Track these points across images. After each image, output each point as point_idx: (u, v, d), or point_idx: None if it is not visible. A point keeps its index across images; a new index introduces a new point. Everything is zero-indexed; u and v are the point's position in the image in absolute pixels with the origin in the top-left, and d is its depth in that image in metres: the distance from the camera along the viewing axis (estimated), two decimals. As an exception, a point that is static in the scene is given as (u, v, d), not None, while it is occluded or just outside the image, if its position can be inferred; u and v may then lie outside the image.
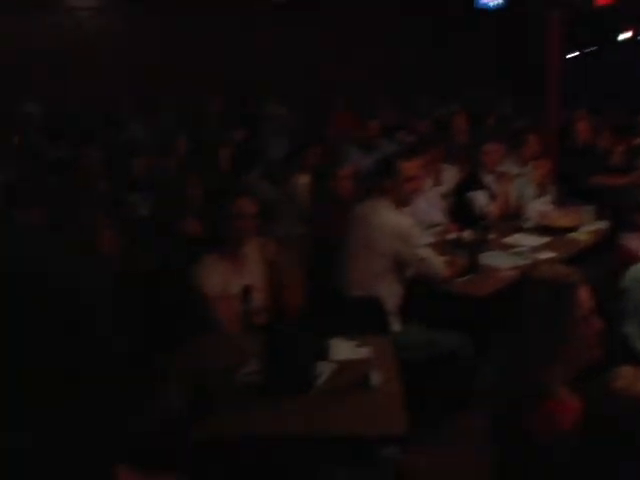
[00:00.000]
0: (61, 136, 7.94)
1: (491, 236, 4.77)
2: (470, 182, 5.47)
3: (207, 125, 8.48)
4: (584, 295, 2.00)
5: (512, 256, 4.48)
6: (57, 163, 6.58)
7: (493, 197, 5.41)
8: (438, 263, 3.92)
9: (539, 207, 5.38)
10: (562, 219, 5.15)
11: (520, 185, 5.58)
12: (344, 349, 3.11)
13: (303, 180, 5.29)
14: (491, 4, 11.63)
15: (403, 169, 3.92)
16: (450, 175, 5.85)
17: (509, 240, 4.88)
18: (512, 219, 5.30)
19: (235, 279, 3.48)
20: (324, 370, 2.89)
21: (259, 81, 10.08)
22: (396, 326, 3.77)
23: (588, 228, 5.09)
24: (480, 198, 5.33)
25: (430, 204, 5.23)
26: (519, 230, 5.10)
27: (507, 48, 11.71)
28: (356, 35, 11.39)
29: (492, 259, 4.37)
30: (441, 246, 4.52)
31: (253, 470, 2.67)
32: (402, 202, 3.95)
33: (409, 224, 3.86)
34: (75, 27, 9.83)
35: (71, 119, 8.46)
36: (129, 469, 2.24)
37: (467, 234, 4.51)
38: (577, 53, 12.62)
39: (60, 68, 9.26)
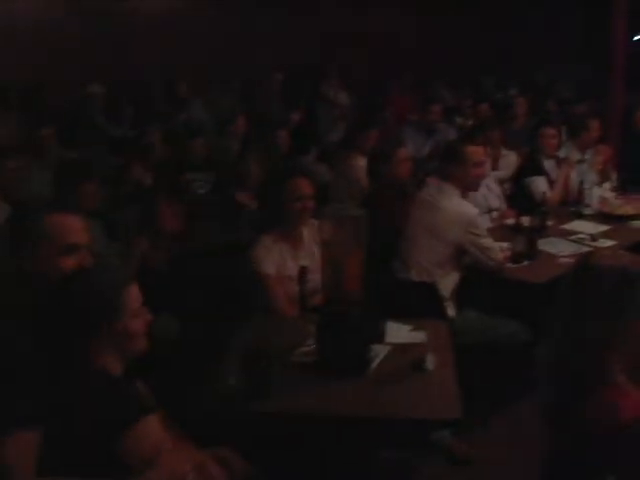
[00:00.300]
0: (123, 116, 8.10)
1: (550, 222, 4.71)
2: (529, 167, 5.40)
3: (266, 106, 8.53)
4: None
5: (571, 243, 4.42)
6: (118, 142, 6.72)
7: (553, 183, 5.34)
8: (497, 250, 3.89)
9: (600, 194, 5.28)
10: (623, 207, 5.05)
11: (581, 171, 5.49)
12: (399, 332, 3.12)
13: (361, 162, 5.29)
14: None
15: (470, 154, 3.88)
16: (509, 160, 5.78)
17: (568, 227, 4.80)
18: (572, 205, 5.22)
19: (292, 260, 3.53)
20: (379, 353, 2.91)
21: (318, 64, 10.07)
22: (452, 312, 3.77)
23: (649, 216, 4.98)
24: (539, 184, 5.26)
25: (488, 189, 5.19)
26: (579, 217, 5.02)
27: (584, 28, 11.43)
28: (416, 17, 11.27)
29: (550, 246, 4.33)
30: (499, 232, 4.48)
31: (305, 448, 2.72)
32: (468, 188, 3.92)
33: (475, 213, 3.84)
34: (138, 9, 9.95)
35: (133, 100, 8.61)
36: (185, 440, 2.31)
37: (525, 220, 4.47)
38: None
39: (122, 49, 9.41)
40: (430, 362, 2.80)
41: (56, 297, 2.06)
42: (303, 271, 3.22)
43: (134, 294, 2.13)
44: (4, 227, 2.74)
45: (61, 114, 7.56)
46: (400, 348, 2.98)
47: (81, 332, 2.04)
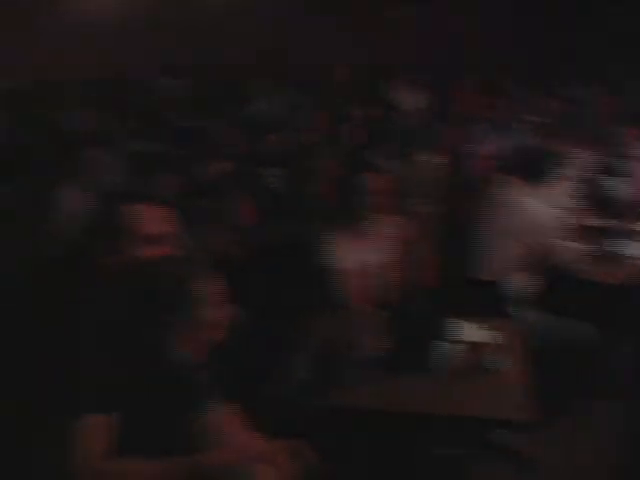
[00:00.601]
0: (192, 108, 8.24)
1: (626, 223, 4.60)
2: (605, 167, 5.29)
3: (340, 101, 8.55)
4: None
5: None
6: (188, 135, 6.84)
7: (629, 183, 5.21)
8: (572, 251, 3.84)
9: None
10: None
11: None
12: (470, 331, 3.10)
13: (437, 159, 5.27)
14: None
15: None
16: (583, 159, 5.66)
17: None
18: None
19: (366, 255, 3.54)
20: (449, 350, 2.91)
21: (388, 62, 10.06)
22: (524, 312, 3.73)
23: None
24: (615, 183, 5.15)
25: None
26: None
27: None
28: (484, 15, 11.12)
29: (626, 247, 4.24)
30: (573, 232, 4.40)
31: (370, 442, 2.74)
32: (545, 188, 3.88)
33: (553, 214, 3.80)
34: (209, 4, 10.10)
35: (202, 92, 8.74)
36: (255, 430, 2.35)
37: (600, 220, 4.39)
38: None
39: (194, 43, 9.57)
40: (500, 362, 2.79)
41: (139, 285, 2.13)
42: (377, 266, 3.24)
43: (215, 283, 2.17)
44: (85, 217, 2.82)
45: (138, 107, 7.76)
46: (471, 346, 2.97)
47: (163, 320, 2.09)
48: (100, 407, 1.95)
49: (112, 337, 2.06)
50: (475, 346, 2.96)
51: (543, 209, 3.78)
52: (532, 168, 3.86)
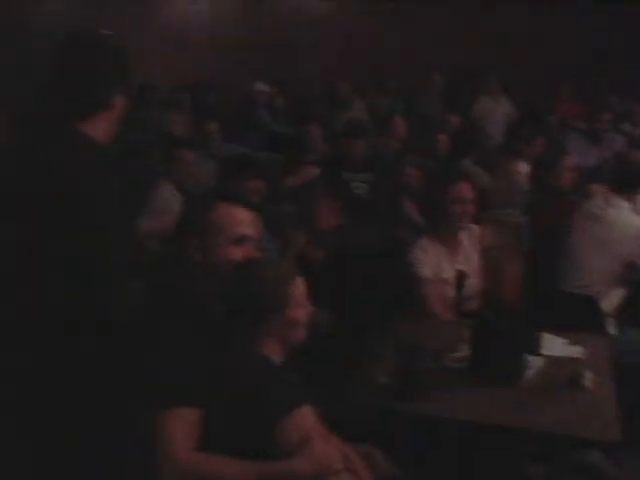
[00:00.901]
0: (286, 114, 8.34)
1: None
2: None
3: (425, 108, 8.50)
4: None
5: None
6: (281, 140, 6.92)
7: None
8: None
9: None
10: None
11: None
12: (556, 345, 3.02)
13: (523, 168, 5.17)
14: None
15: None
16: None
17: None
18: None
19: (449, 264, 3.51)
20: (534, 364, 2.83)
21: (479, 65, 9.93)
22: (614, 329, 3.61)
23: None
24: None
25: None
26: None
27: None
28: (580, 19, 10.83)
29: None
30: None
31: (448, 452, 2.70)
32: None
33: None
34: (299, 10, 10.21)
35: (296, 98, 8.84)
36: (332, 434, 2.35)
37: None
38: None
39: (284, 49, 9.70)
40: (588, 379, 2.69)
41: (227, 285, 2.17)
42: (461, 275, 3.20)
43: (300, 285, 2.21)
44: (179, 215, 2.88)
45: (228, 111, 7.91)
46: (556, 361, 2.88)
47: (248, 320, 2.14)
48: (187, 400, 1.99)
49: (200, 333, 2.11)
50: (561, 361, 2.87)
51: (637, 221, 3.66)
52: (626, 178, 3.73)
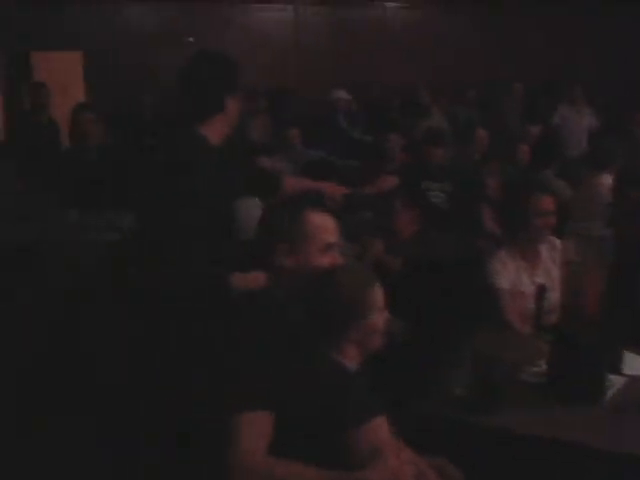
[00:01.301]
0: (361, 121, 8.37)
1: None
2: None
3: (505, 118, 8.39)
4: None
5: None
6: (358, 146, 6.94)
7: None
8: None
9: None
10: None
11: None
12: (637, 364, 2.92)
13: (606, 180, 5.05)
14: None
15: None
16: None
17: None
18: None
19: (528, 277, 3.46)
20: (614, 383, 2.74)
21: (561, 77, 9.79)
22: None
23: None
24: None
25: None
26: None
27: None
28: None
29: None
30: None
31: (521, 469, 2.64)
32: None
33: None
34: (384, 20, 10.23)
35: (375, 106, 8.86)
36: (404, 444, 2.32)
37: None
38: None
39: (366, 58, 9.73)
40: (672, 400, 2.60)
41: (310, 291, 2.19)
42: (541, 289, 3.14)
43: (379, 292, 2.22)
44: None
45: (308, 117, 7.99)
46: (638, 381, 2.78)
47: (329, 325, 2.15)
48: (262, 404, 2.01)
49: (279, 337, 2.13)
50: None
51: None
52: None
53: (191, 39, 9.08)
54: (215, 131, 2.83)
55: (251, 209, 4.44)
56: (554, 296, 3.46)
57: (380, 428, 2.09)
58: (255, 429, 1.99)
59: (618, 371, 2.82)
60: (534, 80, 9.79)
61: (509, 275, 3.44)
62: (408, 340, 3.41)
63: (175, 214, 2.62)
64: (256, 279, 2.36)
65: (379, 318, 2.20)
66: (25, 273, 3.78)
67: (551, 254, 3.57)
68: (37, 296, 3.75)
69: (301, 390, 2.05)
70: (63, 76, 8.30)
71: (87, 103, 7.03)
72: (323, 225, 2.30)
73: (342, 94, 8.45)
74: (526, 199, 3.52)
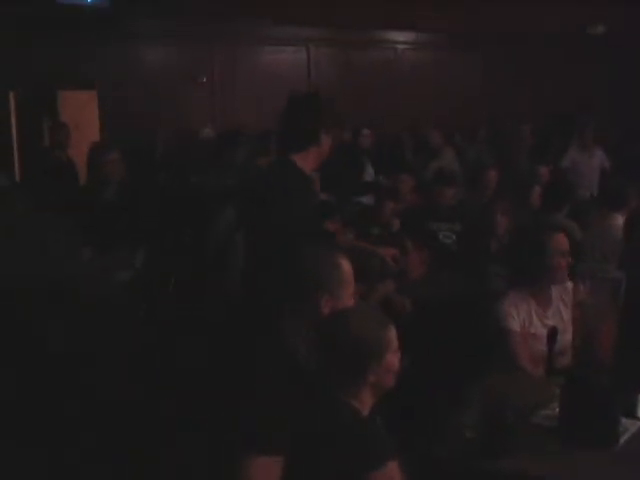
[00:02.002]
0: (375, 162, 8.41)
1: None
2: None
3: (518, 158, 8.41)
4: None
5: None
6: (370, 186, 6.96)
7: None
8: None
9: None
10: None
11: None
12: (652, 408, 2.89)
13: (619, 221, 5.04)
14: None
15: None
16: None
17: None
18: None
19: (539, 319, 3.43)
20: (628, 428, 2.71)
21: (573, 114, 9.86)
22: None
23: None
24: None
25: None
26: None
27: None
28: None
29: None
30: None
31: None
32: None
33: None
34: (394, 61, 10.35)
35: (387, 146, 8.91)
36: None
37: None
38: None
39: (378, 100, 9.83)
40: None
41: (331, 336, 2.20)
42: (553, 331, 3.12)
43: (394, 332, 2.24)
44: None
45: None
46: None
47: (349, 369, 2.16)
48: (271, 449, 2.00)
49: (293, 382, 2.12)
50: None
51: None
52: None
53: (204, 79, 9.19)
54: (308, 161, 3.26)
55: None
56: (566, 338, 3.43)
57: (393, 473, 2.07)
58: (266, 474, 1.98)
59: (632, 415, 2.78)
60: (546, 118, 9.85)
61: (520, 317, 3.42)
62: (419, 381, 3.40)
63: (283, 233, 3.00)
64: None
65: (394, 358, 2.21)
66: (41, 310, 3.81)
67: (562, 295, 3.55)
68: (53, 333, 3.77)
69: (315, 436, 2.04)
70: (78, 115, 8.41)
71: (107, 142, 7.12)
72: (350, 270, 2.38)
73: (365, 131, 8.48)
74: (544, 240, 3.51)
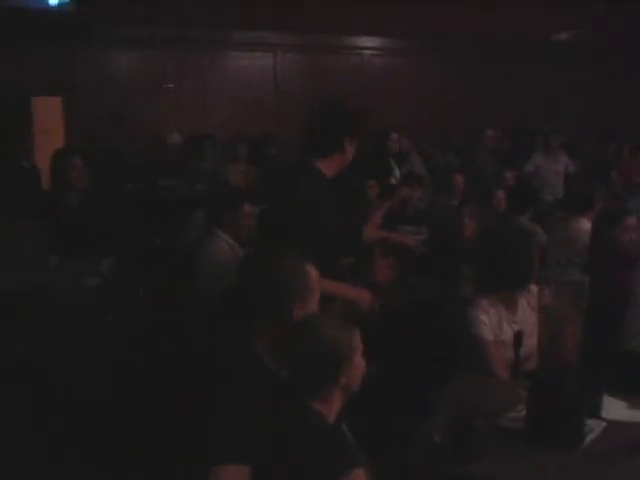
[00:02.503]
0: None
1: None
2: None
3: (483, 163, 8.51)
4: None
5: None
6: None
7: None
8: None
9: None
10: None
11: None
12: (616, 409, 2.92)
13: (584, 226, 5.10)
14: None
15: None
16: None
17: None
18: None
19: (508, 324, 3.44)
20: (593, 428, 2.75)
21: (541, 122, 10.01)
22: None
23: None
24: None
25: None
26: None
27: None
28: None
29: None
30: None
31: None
32: None
33: None
34: (361, 67, 10.38)
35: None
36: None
37: None
38: None
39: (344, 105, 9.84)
40: (652, 445, 2.60)
41: (300, 344, 2.21)
42: (519, 335, 3.15)
43: (359, 334, 2.27)
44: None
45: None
46: (616, 426, 2.78)
47: (321, 375, 2.17)
48: (238, 457, 2.00)
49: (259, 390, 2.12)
50: (623, 426, 2.78)
51: None
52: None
53: (170, 85, 9.15)
54: (331, 168, 3.39)
55: (222, 252, 4.47)
56: (532, 342, 3.46)
57: (360, 479, 2.08)
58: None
59: (597, 416, 2.82)
60: (512, 126, 9.98)
61: (491, 324, 3.42)
62: (386, 387, 3.41)
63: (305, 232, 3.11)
64: None
65: (361, 360, 2.25)
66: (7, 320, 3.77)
67: (528, 299, 3.56)
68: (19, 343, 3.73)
69: (282, 444, 2.04)
70: (43, 121, 8.30)
71: (72, 148, 7.04)
72: (317, 277, 2.39)
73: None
74: (518, 244, 3.54)
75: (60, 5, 8.00)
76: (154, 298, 4.93)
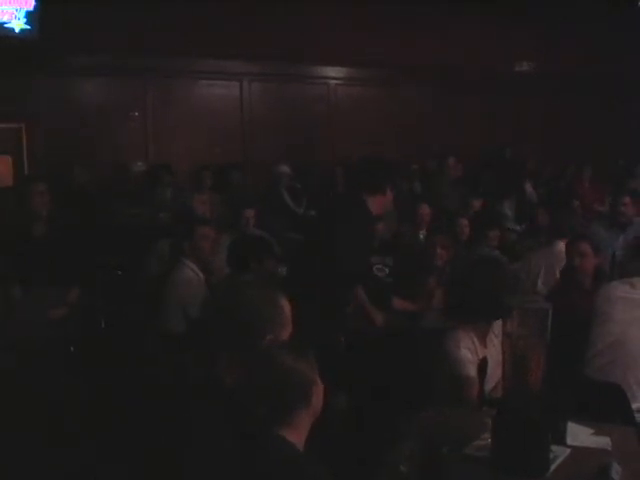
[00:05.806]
0: (305, 195, 8.47)
1: None
2: None
3: (448, 192, 8.60)
4: None
5: None
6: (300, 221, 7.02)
7: None
8: None
9: None
10: None
11: None
12: (581, 435, 2.94)
13: (551, 250, 5.16)
14: None
15: None
16: None
17: None
18: None
19: (480, 352, 3.45)
20: (558, 454, 2.76)
21: (506, 149, 10.19)
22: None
23: None
24: None
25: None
26: None
27: None
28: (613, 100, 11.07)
29: None
30: None
31: None
32: None
33: None
34: (326, 96, 10.47)
35: (317, 180, 9.00)
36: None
37: None
38: None
39: (311, 134, 9.93)
40: (615, 471, 2.61)
41: (276, 367, 2.20)
42: (483, 362, 3.16)
43: (316, 367, 2.26)
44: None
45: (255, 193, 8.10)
46: (581, 452, 2.80)
47: (295, 397, 2.16)
48: None
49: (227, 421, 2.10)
50: (587, 452, 2.80)
51: None
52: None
53: (136, 113, 9.13)
54: (375, 206, 3.99)
55: (188, 282, 4.45)
56: (497, 370, 3.47)
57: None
58: None
59: (562, 443, 2.83)
60: (473, 155, 10.12)
61: (470, 357, 3.41)
62: (354, 415, 3.40)
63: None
64: None
65: (321, 391, 2.24)
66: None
67: (494, 327, 3.59)
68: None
69: (252, 474, 2.02)
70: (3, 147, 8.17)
71: (36, 175, 6.94)
72: (290, 311, 2.38)
73: (284, 169, 8.54)
74: (498, 277, 3.58)
75: (22, 33, 7.94)
76: (117, 328, 4.87)
